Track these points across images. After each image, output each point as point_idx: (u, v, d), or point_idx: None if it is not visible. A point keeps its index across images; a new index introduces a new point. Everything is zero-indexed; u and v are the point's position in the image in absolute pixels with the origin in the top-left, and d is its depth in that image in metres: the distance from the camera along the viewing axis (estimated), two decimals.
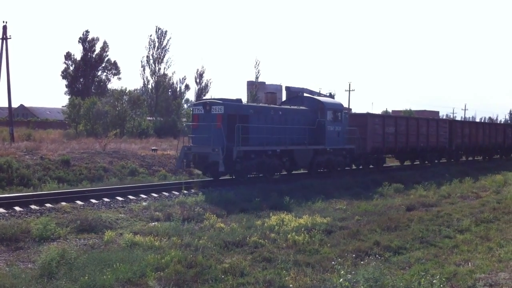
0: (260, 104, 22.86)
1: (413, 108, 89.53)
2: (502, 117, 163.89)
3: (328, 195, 18.24)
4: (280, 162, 22.22)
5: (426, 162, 33.96)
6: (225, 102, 20.49)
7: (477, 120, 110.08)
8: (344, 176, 23.68)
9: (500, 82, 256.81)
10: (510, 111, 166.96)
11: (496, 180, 24.58)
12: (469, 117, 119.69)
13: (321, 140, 23.98)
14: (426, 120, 34.44)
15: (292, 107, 23.89)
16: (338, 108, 25.52)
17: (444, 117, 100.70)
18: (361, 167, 28.82)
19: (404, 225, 13.40)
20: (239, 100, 21.85)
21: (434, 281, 7.92)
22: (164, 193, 17.89)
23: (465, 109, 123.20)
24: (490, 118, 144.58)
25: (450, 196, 19.59)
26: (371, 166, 29.30)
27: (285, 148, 21.94)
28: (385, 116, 31.83)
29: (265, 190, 18.39)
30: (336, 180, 22.14)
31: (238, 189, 18.81)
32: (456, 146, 36.52)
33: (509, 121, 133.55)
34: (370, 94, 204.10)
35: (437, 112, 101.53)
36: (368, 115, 29.16)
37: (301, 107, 24.18)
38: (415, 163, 34.28)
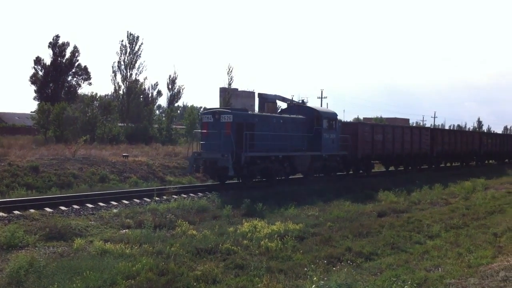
0: (264, 113, 24.07)
1: (384, 116, 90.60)
2: (470, 124, 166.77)
3: (300, 202, 18.28)
4: (282, 167, 23.55)
5: (410, 167, 35.51)
6: (234, 111, 21.95)
7: (446, 127, 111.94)
8: (317, 183, 23.98)
9: (468, 90, 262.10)
10: (479, 118, 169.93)
11: (465, 186, 25.00)
12: (439, 125, 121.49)
13: (318, 146, 25.40)
14: (410, 128, 37.52)
15: (291, 116, 25.22)
16: (332, 117, 26.90)
17: (414, 125, 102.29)
18: (351, 172, 30.25)
19: (375, 231, 13.51)
20: (245, 109, 23.30)
21: (405, 287, 8.00)
22: (135, 200, 17.71)
23: (434, 117, 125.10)
24: (459, 125, 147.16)
25: (420, 202, 19.84)
26: (361, 171, 30.91)
27: (286, 154, 23.48)
28: (374, 125, 33.51)
29: (238, 197, 18.38)
30: (309, 187, 22.25)
31: (211, 195, 18.80)
32: (437, 153, 38.37)
33: (477, 129, 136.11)
34: (342, 102, 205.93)
35: (408, 120, 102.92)
36: (359, 124, 31.45)
37: (299, 116, 25.48)
38: (399, 168, 35.56)
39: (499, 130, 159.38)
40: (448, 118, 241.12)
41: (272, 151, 22.77)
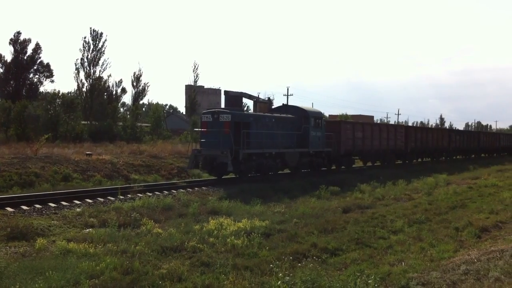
0: (258, 113, 25.51)
1: (349, 113, 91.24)
2: (433, 121, 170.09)
3: (267, 199, 18.32)
4: (274, 162, 25.19)
5: (386, 163, 37.34)
6: (232, 111, 23.27)
7: (410, 124, 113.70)
8: (283, 180, 24.15)
9: (431, 88, 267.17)
10: (441, 115, 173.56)
11: (428, 182, 25.45)
12: (403, 121, 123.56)
13: (305, 144, 27.21)
14: (386, 126, 40.03)
15: (282, 115, 26.97)
16: (319, 116, 28.96)
17: (379, 121, 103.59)
18: (333, 167, 32.01)
19: (340, 227, 13.63)
20: (241, 109, 24.83)
21: (369, 281, 8.08)
22: (99, 198, 17.44)
23: (398, 114, 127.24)
24: (421, 122, 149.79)
25: (384, 198, 20.08)
26: (343, 167, 32.66)
27: (278, 150, 25.08)
28: (355, 123, 35.00)
29: (204, 194, 18.31)
30: (275, 184, 22.34)
31: (178, 194, 18.70)
32: (411, 149, 40.54)
33: (439, 125, 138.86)
34: (307, 99, 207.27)
35: (372, 117, 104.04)
36: (341, 122, 33.24)
37: (289, 115, 27.34)
38: (375, 164, 37.53)
39: (460, 126, 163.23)
40: (412, 115, 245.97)
41: (266, 148, 24.29)
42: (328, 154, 29.48)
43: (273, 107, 30.04)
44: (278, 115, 26.63)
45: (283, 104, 29.24)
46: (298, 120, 27.28)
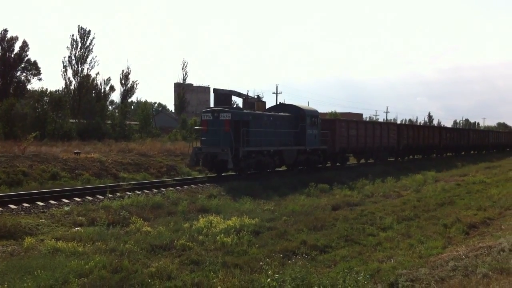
0: (257, 112, 25.84)
1: (338, 110, 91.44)
2: (421, 118, 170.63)
3: (256, 197, 18.32)
4: (272, 160, 25.85)
5: (379, 161, 37.71)
6: (232, 110, 24.06)
7: (398, 121, 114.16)
8: (273, 178, 24.16)
9: (420, 85, 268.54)
10: (429, 113, 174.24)
11: (416, 179, 25.58)
12: (391, 119, 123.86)
13: (302, 141, 27.95)
14: (379, 124, 41.09)
15: (279, 114, 27.57)
16: (315, 114, 29.56)
17: (368, 119, 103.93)
18: (328, 164, 32.81)
19: (330, 224, 13.67)
20: (241, 108, 25.63)
21: (358, 278, 8.12)
22: (87, 197, 17.29)
23: (387, 112, 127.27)
24: (410, 120, 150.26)
25: (373, 195, 20.19)
26: (338, 164, 33.50)
27: (277, 148, 25.86)
28: (349, 121, 35.69)
29: (193, 192, 18.28)
30: (265, 182, 22.35)
31: (167, 192, 18.66)
32: (403, 147, 41.25)
33: (428, 123, 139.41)
34: (296, 97, 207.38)
35: (361, 114, 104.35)
36: (336, 120, 34.06)
37: (287, 114, 27.93)
38: (369, 161, 37.89)
39: (448, 124, 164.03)
40: (400, 113, 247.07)
41: (264, 146, 25.03)
42: (324, 151, 30.13)
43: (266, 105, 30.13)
44: (276, 113, 27.20)
45: (280, 102, 29.77)
46: (295, 118, 27.83)
